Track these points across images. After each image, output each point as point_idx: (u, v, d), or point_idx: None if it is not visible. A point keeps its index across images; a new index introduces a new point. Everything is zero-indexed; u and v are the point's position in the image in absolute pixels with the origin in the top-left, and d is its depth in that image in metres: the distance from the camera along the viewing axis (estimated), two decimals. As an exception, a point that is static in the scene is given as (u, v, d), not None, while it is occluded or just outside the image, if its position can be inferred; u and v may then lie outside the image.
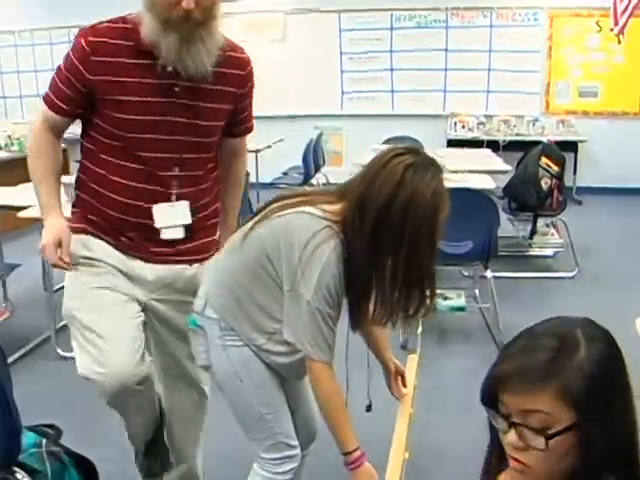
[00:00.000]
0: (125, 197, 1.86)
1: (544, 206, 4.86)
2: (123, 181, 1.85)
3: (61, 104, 1.84)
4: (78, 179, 1.97)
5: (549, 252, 5.31)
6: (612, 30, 6.63)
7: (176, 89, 1.81)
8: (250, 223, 1.72)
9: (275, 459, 1.78)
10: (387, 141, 6.78)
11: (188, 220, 1.93)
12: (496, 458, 1.16)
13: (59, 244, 1.82)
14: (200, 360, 1.82)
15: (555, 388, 0.98)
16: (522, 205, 4.95)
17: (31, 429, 2.00)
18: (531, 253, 5.33)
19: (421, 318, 1.71)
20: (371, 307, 1.68)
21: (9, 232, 4.96)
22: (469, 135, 7.70)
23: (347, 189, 1.67)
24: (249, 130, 2.11)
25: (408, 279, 1.62)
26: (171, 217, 1.90)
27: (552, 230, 5.27)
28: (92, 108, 1.83)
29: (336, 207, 1.65)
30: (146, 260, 1.91)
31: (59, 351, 3.61)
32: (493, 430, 1.14)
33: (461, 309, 3.84)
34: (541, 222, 5.13)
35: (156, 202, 1.88)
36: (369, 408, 2.02)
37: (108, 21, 1.81)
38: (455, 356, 3.65)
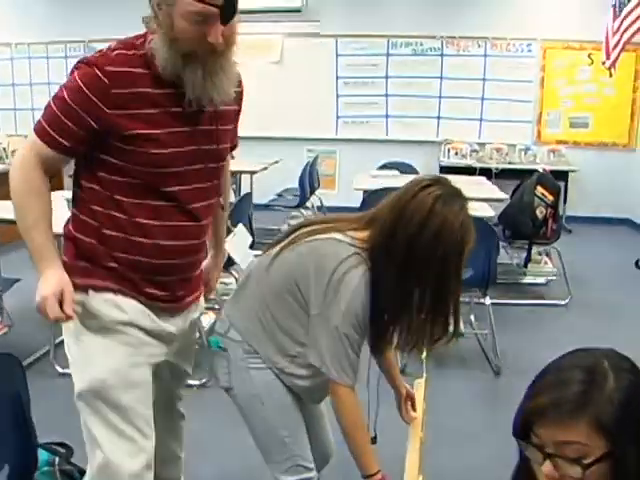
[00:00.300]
0: (155, 238, 1.68)
1: (539, 235, 4.94)
2: (150, 222, 1.68)
3: (63, 141, 1.60)
4: (81, 225, 1.72)
5: (541, 280, 5.38)
6: (604, 63, 6.77)
7: (202, 116, 1.69)
8: (277, 247, 1.75)
9: None
10: (383, 166, 6.87)
11: (250, 238, 1.91)
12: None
13: (61, 297, 1.61)
14: (221, 382, 1.84)
15: (588, 419, 1.02)
16: (517, 233, 5.02)
17: (43, 447, 2.01)
18: (524, 281, 5.39)
19: (446, 344, 1.75)
20: (396, 334, 1.72)
21: (5, 244, 4.95)
22: (462, 162, 7.79)
23: (374, 217, 1.71)
24: (237, 144, 2.01)
25: (435, 307, 1.66)
26: (241, 246, 1.85)
27: (545, 258, 5.35)
28: (99, 145, 1.63)
29: (363, 234, 1.69)
30: (171, 311, 1.79)
31: (57, 368, 3.60)
32: (522, 458, 1.18)
33: (460, 335, 3.88)
34: (534, 250, 5.20)
35: (188, 238, 1.74)
36: (374, 440, 2.04)
37: (117, 47, 1.62)
38: (453, 381, 3.68)
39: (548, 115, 8.10)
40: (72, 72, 1.62)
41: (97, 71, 1.56)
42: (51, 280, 1.61)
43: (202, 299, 1.97)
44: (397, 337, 1.73)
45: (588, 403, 1.03)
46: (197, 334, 2.10)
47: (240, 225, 2.07)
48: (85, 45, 8.46)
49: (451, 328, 1.70)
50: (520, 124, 8.07)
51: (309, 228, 1.75)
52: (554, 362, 1.15)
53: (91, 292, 1.70)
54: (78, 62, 1.62)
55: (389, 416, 2.04)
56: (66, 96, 1.59)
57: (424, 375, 2.43)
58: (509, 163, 7.81)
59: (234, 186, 7.05)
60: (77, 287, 1.67)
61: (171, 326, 1.79)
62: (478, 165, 7.68)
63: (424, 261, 1.61)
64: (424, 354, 2.45)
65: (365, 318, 1.65)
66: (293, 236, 1.75)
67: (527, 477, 1.18)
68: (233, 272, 4.20)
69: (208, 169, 1.74)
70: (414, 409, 2.13)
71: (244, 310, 1.79)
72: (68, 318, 1.61)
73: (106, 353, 1.70)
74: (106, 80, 1.56)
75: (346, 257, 1.64)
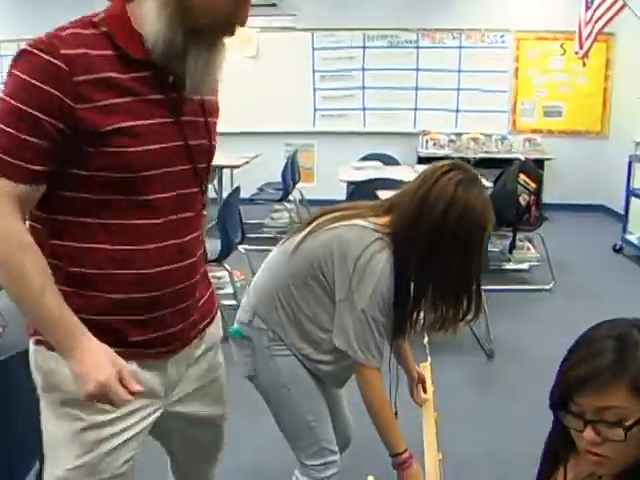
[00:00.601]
0: (134, 268, 1.34)
1: (522, 221, 5.04)
2: (125, 247, 1.32)
3: (29, 165, 1.21)
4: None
5: (525, 266, 5.49)
6: (577, 53, 6.88)
7: (187, 105, 1.38)
8: (299, 236, 1.79)
9: (319, 465, 1.84)
10: (364, 158, 6.93)
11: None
12: (562, 450, 1.26)
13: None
14: (245, 371, 1.87)
15: (626, 384, 1.09)
16: (500, 220, 5.11)
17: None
18: (508, 267, 5.50)
19: (469, 322, 1.80)
20: (421, 316, 1.77)
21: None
22: (440, 152, 7.88)
23: (394, 204, 1.75)
24: None
25: (459, 287, 1.71)
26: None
27: (528, 244, 5.46)
28: (67, 158, 1.26)
29: (384, 220, 1.74)
30: (165, 357, 1.44)
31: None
32: (557, 427, 1.25)
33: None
34: (517, 237, 5.31)
35: (175, 261, 1.39)
36: (395, 415, 2.09)
37: (70, 27, 1.27)
38: (448, 366, 3.74)
39: (523, 105, 8.24)
40: (10, 71, 1.23)
41: (48, 57, 1.20)
42: (97, 357, 1.25)
43: (215, 328, 1.60)
44: (423, 319, 1.79)
45: (624, 370, 1.10)
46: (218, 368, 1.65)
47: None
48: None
49: (474, 306, 1.75)
50: (496, 114, 8.20)
51: (329, 216, 1.79)
52: (584, 335, 1.22)
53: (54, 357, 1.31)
54: (18, 54, 1.23)
55: (402, 397, 2.10)
56: (13, 102, 1.19)
57: (428, 358, 2.50)
58: (486, 152, 7.92)
59: (215, 182, 7.05)
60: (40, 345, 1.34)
61: (162, 378, 1.45)
62: (456, 155, 7.74)
63: (448, 244, 1.66)
64: (426, 339, 2.53)
65: (390, 300, 1.70)
66: (314, 224, 1.79)
67: (563, 445, 1.25)
68: (226, 265, 4.24)
69: (197, 170, 1.42)
70: (425, 391, 2.19)
71: (268, 298, 1.82)
72: (135, 394, 1.28)
73: (71, 444, 1.35)
74: (63, 66, 1.20)
75: (370, 242, 1.69)
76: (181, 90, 1.33)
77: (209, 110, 1.46)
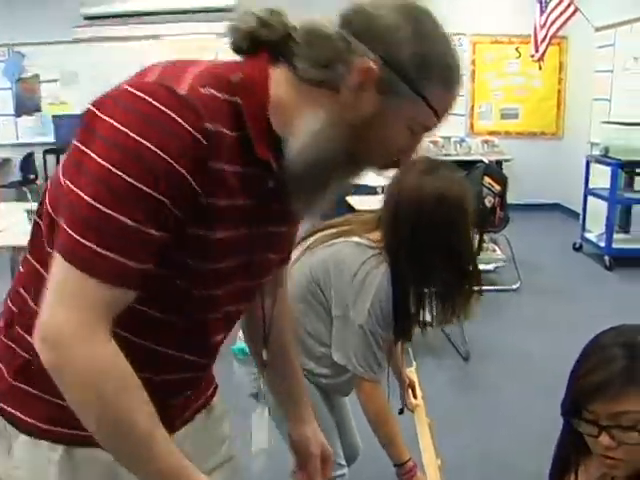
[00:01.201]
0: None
1: (487, 223, 5.12)
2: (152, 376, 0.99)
3: (142, 265, 0.87)
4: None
5: (490, 267, 5.58)
6: (533, 57, 7.06)
7: (268, 213, 1.04)
8: (297, 252, 1.78)
9: None
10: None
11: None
12: (573, 455, 1.30)
13: None
14: (249, 388, 1.85)
15: (637, 389, 1.13)
16: (466, 223, 5.19)
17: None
18: (473, 268, 5.58)
19: (476, 302, 1.77)
20: (428, 314, 1.77)
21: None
22: (401, 156, 7.97)
23: (380, 216, 1.76)
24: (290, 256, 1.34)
25: (458, 274, 1.69)
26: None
27: (493, 246, 5.56)
28: None
29: (376, 235, 1.74)
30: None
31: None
32: (568, 434, 1.29)
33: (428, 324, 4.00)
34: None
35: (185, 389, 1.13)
36: (401, 411, 2.11)
37: (206, 81, 0.91)
38: (426, 370, 3.76)
39: (480, 107, 8.41)
40: (114, 127, 0.85)
41: (189, 127, 0.85)
42: None
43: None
44: (431, 316, 1.78)
45: (635, 375, 1.14)
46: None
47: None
48: (9, 49, 8.19)
49: (473, 293, 1.73)
50: (454, 117, 8.29)
51: (325, 233, 1.79)
52: (591, 343, 1.26)
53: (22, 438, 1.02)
54: (125, 102, 0.86)
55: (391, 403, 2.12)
56: (128, 179, 0.83)
57: (414, 363, 2.53)
58: (445, 155, 8.03)
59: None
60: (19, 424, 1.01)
61: None
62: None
63: (433, 235, 1.63)
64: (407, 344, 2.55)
65: (389, 312, 1.70)
66: (311, 241, 1.79)
67: (574, 451, 1.29)
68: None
69: (254, 286, 1.14)
70: (415, 397, 2.22)
71: None
72: None
73: None
74: (204, 142, 0.87)
75: (367, 258, 1.69)
76: (279, 199, 1.01)
77: (292, 218, 1.14)
